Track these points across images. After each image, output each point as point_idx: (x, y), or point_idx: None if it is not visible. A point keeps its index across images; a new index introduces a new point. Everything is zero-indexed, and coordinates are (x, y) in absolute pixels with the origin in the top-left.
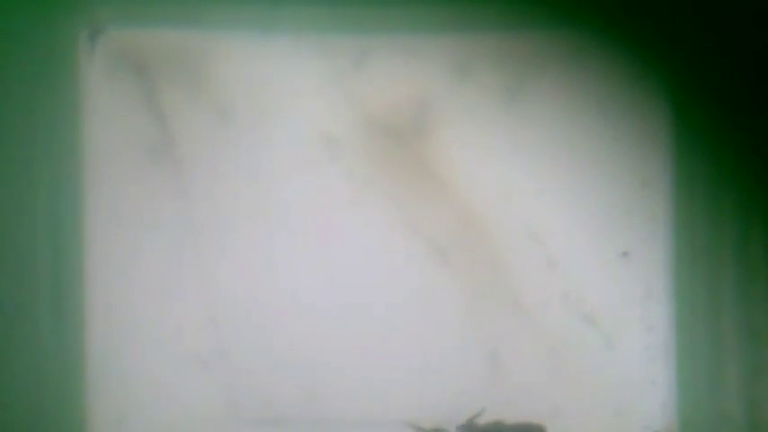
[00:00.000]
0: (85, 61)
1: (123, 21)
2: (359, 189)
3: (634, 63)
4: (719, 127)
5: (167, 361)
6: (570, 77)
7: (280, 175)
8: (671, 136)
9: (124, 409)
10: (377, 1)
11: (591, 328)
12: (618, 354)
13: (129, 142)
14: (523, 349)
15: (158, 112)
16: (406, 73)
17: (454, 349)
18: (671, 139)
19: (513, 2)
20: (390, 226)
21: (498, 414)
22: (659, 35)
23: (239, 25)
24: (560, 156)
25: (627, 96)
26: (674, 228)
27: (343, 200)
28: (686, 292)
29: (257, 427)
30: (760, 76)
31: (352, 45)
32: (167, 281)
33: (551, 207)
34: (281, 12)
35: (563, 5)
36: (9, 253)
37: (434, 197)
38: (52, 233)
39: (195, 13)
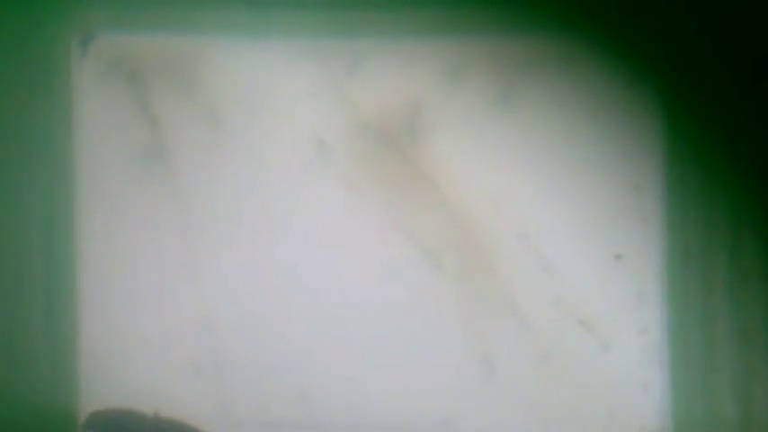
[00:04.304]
0: (77, 68)
1: (115, 27)
2: (352, 193)
3: (627, 67)
4: (712, 130)
5: (161, 366)
6: (563, 81)
7: (273, 179)
8: (663, 139)
9: None
10: (370, 6)
11: (585, 331)
12: (612, 357)
13: (122, 148)
14: (517, 352)
15: (151, 118)
16: (400, 77)
17: (448, 353)
18: (663, 143)
19: (506, 6)
20: (384, 230)
21: (493, 417)
22: (652, 39)
23: (232, 30)
24: (553, 159)
25: (619, 100)
26: (666, 231)
27: (336, 204)
28: (679, 295)
29: None
30: (753, 79)
31: (345, 50)
32: (161, 286)
33: (544, 210)
34: (273, 17)
35: (556, 9)
36: (1, 258)
37: (428, 201)
38: (45, 239)
39: (188, 18)
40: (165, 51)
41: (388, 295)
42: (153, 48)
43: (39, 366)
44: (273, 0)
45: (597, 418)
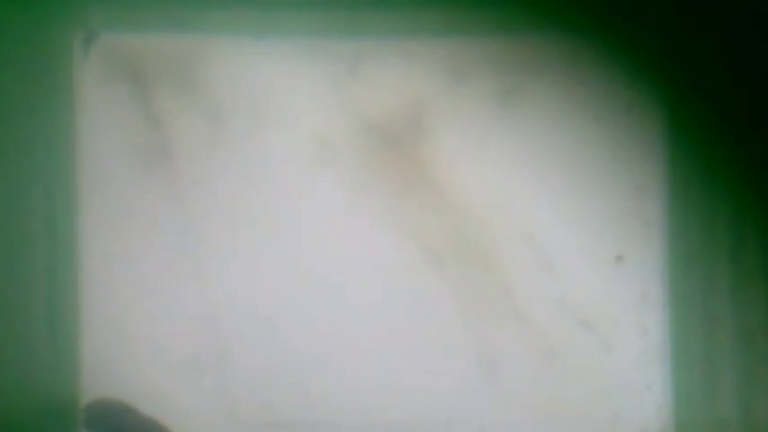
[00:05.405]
0: (79, 67)
1: (117, 25)
2: (354, 193)
3: (629, 68)
4: (714, 131)
5: (163, 366)
6: (566, 82)
7: (275, 179)
8: (665, 140)
9: None
10: (372, 5)
11: (586, 332)
12: (613, 358)
13: (124, 146)
14: (519, 353)
15: (153, 117)
16: (402, 77)
17: (450, 353)
18: (665, 144)
19: (508, 6)
20: (386, 230)
21: (494, 417)
22: (654, 40)
23: (234, 30)
24: (555, 160)
25: (621, 101)
26: (668, 232)
27: (338, 204)
28: (681, 296)
29: None
30: (755, 80)
31: (348, 49)
32: (163, 286)
33: (546, 211)
34: (276, 16)
35: (559, 10)
36: (3, 257)
37: (429, 201)
38: (47, 238)
39: (190, 17)
40: (167, 51)
41: (390, 295)
42: (155, 47)
43: (40, 366)
44: (275, 0)
45: (599, 418)
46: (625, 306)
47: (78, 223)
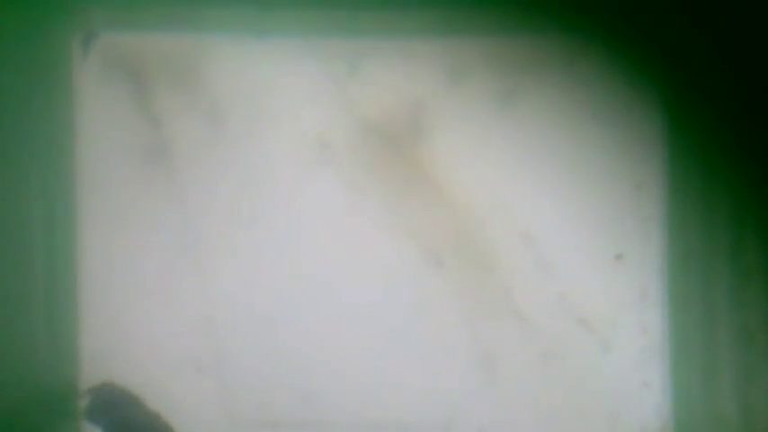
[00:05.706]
0: (78, 67)
1: (117, 25)
2: (354, 193)
3: (628, 67)
4: (713, 129)
5: (162, 365)
6: (565, 81)
7: (275, 179)
8: (664, 139)
9: None
10: (372, 5)
11: (585, 331)
12: (613, 356)
13: (124, 147)
14: (518, 352)
15: (152, 117)
16: (402, 77)
17: (450, 353)
18: (664, 142)
19: (508, 7)
20: (385, 230)
21: (494, 416)
22: (653, 39)
23: (234, 30)
24: (554, 159)
25: (620, 100)
26: (667, 230)
27: (338, 204)
28: (680, 295)
29: (254, 431)
30: (754, 79)
31: (347, 49)
32: (162, 285)
33: (545, 210)
34: (276, 16)
35: (558, 10)
36: (2, 257)
37: (429, 201)
38: (46, 239)
39: (190, 17)
40: (166, 50)
41: (390, 295)
42: (155, 47)
43: (39, 366)
44: (275, 0)
45: (598, 417)
46: (624, 304)
47: (78, 223)
